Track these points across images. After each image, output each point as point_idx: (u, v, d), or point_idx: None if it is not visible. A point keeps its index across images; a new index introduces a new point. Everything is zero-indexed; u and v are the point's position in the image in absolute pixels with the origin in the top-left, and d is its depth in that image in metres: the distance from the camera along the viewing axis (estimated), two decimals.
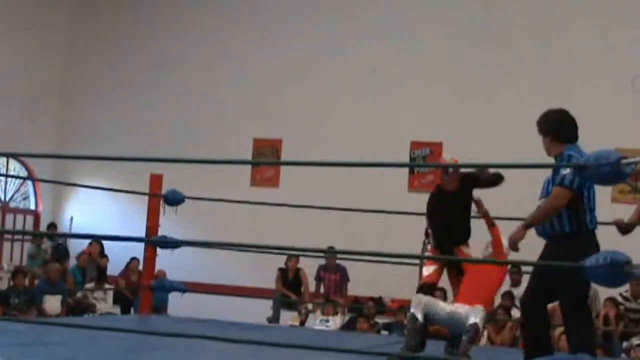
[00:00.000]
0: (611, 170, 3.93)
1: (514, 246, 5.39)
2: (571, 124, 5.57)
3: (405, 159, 13.99)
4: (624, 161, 3.93)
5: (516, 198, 12.42)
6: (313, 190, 12.85)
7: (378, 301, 12.95)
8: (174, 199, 8.14)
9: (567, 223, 5.22)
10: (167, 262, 9.81)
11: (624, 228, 8.73)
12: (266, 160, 15.53)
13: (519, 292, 12.19)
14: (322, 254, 12.16)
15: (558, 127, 5.54)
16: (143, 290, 8.61)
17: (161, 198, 8.20)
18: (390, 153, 13.19)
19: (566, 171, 5.10)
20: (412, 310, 6.20)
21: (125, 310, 13.04)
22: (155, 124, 15.61)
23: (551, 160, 5.68)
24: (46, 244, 14.54)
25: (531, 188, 12.49)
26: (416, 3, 14.72)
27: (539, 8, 14.00)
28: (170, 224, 8.31)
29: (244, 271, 13.87)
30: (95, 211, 15.69)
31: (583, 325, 5.18)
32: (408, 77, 14.32)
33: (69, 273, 13.55)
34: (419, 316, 6.16)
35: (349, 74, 14.69)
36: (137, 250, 10.96)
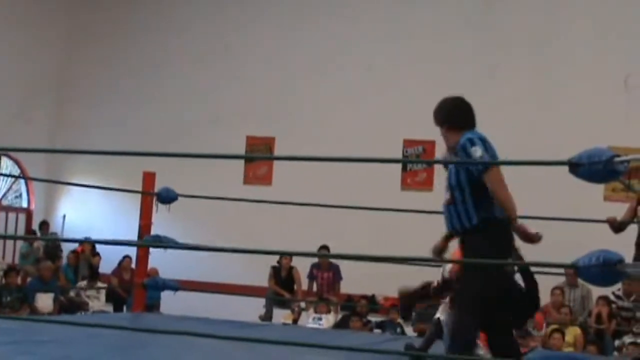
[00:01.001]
0: (604, 168, 3.93)
1: (530, 238, 5.17)
2: (466, 110, 5.47)
3: (398, 157, 14.00)
4: (616, 159, 3.93)
5: (512, 195, 12.49)
6: (306, 188, 12.84)
7: (371, 299, 12.97)
8: (167, 197, 8.13)
9: (474, 214, 5.11)
10: (159, 260, 9.81)
11: (617, 226, 8.78)
12: (259, 155, 15.53)
13: None
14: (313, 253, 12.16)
15: (452, 115, 5.45)
16: (136, 288, 8.59)
17: (154, 196, 8.18)
18: (384, 151, 13.19)
19: (478, 153, 5.09)
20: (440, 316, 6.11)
21: (118, 309, 13.04)
22: (148, 122, 15.59)
23: (542, 157, 5.66)
24: (38, 242, 14.52)
25: (530, 187, 12.57)
26: (412, 2, 14.72)
27: (534, 9, 14.02)
28: (163, 222, 8.30)
29: (237, 269, 13.86)
30: (88, 209, 15.68)
31: (460, 330, 5.04)
32: (402, 76, 14.33)
33: (61, 271, 13.54)
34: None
35: (343, 72, 14.70)
36: (130, 248, 10.97)
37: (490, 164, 5.10)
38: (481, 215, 5.09)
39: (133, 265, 10.29)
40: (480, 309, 5.01)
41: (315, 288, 13.26)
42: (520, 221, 5.14)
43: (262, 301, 12.67)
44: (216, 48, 15.57)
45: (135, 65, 16.00)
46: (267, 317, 12.58)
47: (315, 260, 13.14)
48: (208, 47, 15.63)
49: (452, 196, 5.24)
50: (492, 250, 4.98)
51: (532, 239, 5.10)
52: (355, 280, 12.69)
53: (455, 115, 5.44)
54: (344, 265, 12.95)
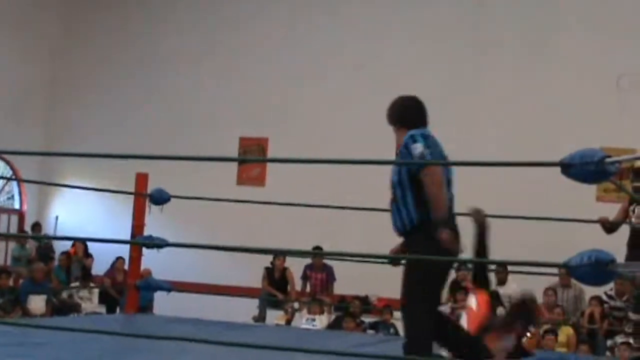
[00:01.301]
0: (596, 168, 3.93)
1: (452, 246, 5.03)
2: (416, 109, 5.41)
3: (392, 157, 13.99)
4: (608, 160, 3.94)
5: (505, 196, 12.52)
6: (299, 189, 12.84)
7: (364, 300, 12.97)
8: (160, 198, 8.12)
9: (414, 213, 5.05)
10: (153, 261, 9.79)
11: (609, 227, 8.80)
12: (251, 157, 15.52)
13: (504, 291, 12.23)
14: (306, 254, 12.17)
15: (402, 114, 5.38)
16: (129, 290, 8.59)
17: (147, 197, 8.18)
18: (378, 152, 13.15)
19: (418, 150, 5.04)
20: None
21: (111, 310, 13.02)
22: (141, 123, 15.59)
23: (534, 157, 5.66)
24: (30, 244, 14.50)
25: (523, 187, 12.61)
26: (405, 3, 14.74)
27: (526, 9, 14.04)
28: (156, 223, 8.29)
29: (230, 270, 13.87)
30: (81, 211, 15.66)
31: (415, 320, 5.01)
32: (395, 76, 14.32)
33: (54, 273, 13.52)
34: None
35: (336, 73, 14.72)
36: (123, 249, 10.93)
37: (448, 164, 5.12)
38: (423, 214, 5.04)
39: (126, 267, 10.27)
40: (431, 299, 5.04)
41: (308, 289, 13.26)
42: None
43: (255, 302, 12.66)
44: (209, 49, 15.57)
45: (128, 67, 15.99)
46: (261, 318, 12.57)
47: (309, 261, 13.14)
48: (201, 48, 15.63)
49: (394, 194, 5.20)
50: (433, 250, 4.94)
51: (452, 247, 5.01)
52: (349, 281, 12.69)
53: (406, 114, 5.41)
54: (337, 266, 12.95)
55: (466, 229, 5.54)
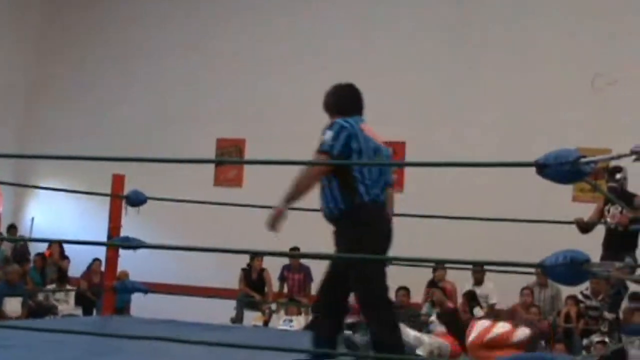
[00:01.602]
0: (570, 169, 3.96)
1: (272, 224, 5.12)
2: (349, 97, 5.46)
3: None
4: (583, 160, 3.96)
5: (482, 196, 12.57)
6: (277, 190, 12.81)
7: None
8: (137, 200, 8.10)
9: (340, 200, 5.07)
10: (130, 262, 9.75)
11: (585, 227, 8.88)
12: (228, 159, 15.49)
13: (481, 291, 12.30)
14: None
15: (335, 102, 5.41)
16: (105, 292, 8.55)
17: (123, 199, 8.15)
18: None
19: (325, 137, 5.05)
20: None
21: (87, 312, 12.97)
22: (118, 124, 15.53)
23: (510, 158, 5.68)
24: (6, 246, 14.41)
25: (501, 187, 12.65)
26: (386, 3, 14.75)
27: (504, 11, 14.08)
28: (133, 225, 8.26)
29: (208, 271, 13.83)
30: (57, 212, 15.58)
31: (377, 314, 5.06)
32: (373, 77, 14.32)
33: (29, 275, 13.45)
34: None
35: (314, 73, 14.68)
36: (100, 251, 10.89)
37: (457, 165, 5.13)
38: (347, 200, 5.07)
39: (103, 268, 10.23)
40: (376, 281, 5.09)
41: (286, 290, 13.26)
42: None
43: (232, 303, 12.65)
44: (186, 50, 15.53)
45: (104, 68, 15.93)
46: (238, 319, 12.56)
47: (286, 262, 13.14)
48: (177, 48, 15.59)
49: (321, 184, 5.20)
50: (360, 235, 5.01)
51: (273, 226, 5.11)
52: None
53: (338, 102, 5.42)
54: (314, 267, 12.95)
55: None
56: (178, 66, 15.52)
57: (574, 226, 8.79)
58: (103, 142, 14.83)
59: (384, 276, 5.19)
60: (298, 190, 5.08)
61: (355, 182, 5.06)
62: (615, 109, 12.85)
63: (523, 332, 6.06)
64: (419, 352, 6.36)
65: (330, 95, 5.47)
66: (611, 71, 13.10)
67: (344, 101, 5.39)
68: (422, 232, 12.18)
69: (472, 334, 6.24)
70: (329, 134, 5.07)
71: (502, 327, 6.24)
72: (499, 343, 5.86)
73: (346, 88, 5.45)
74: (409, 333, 6.50)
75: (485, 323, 6.29)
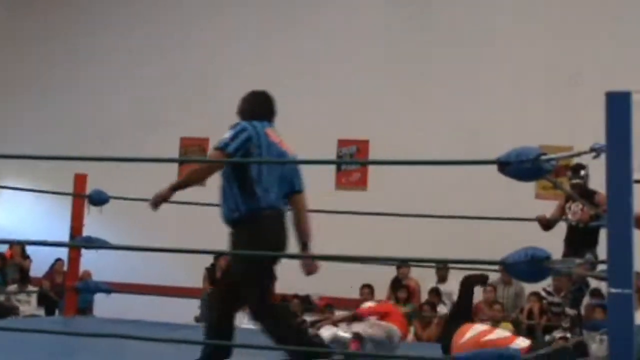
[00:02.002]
0: (532, 166, 4.00)
1: (155, 202, 5.24)
2: (258, 103, 5.54)
3: (332, 156, 14.04)
4: (543, 157, 4.00)
5: (445, 194, 12.63)
6: None
7: (305, 299, 12.99)
8: (99, 199, 8.07)
9: (240, 202, 5.10)
10: (93, 263, 9.71)
11: (546, 224, 8.95)
12: (191, 158, 15.41)
13: (445, 288, 12.36)
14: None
15: (246, 108, 5.52)
16: (68, 292, 8.51)
17: (85, 198, 8.11)
18: (318, 151, 13.21)
19: (227, 135, 5.14)
20: None
21: (50, 312, 12.88)
22: (81, 123, 15.41)
23: (473, 156, 5.70)
24: None
25: (464, 185, 12.71)
26: (342, 5, 14.77)
27: (465, 8, 14.15)
28: (95, 225, 8.22)
29: (172, 271, 13.77)
30: (19, 212, 15.44)
31: (272, 323, 5.14)
32: (336, 75, 14.36)
33: None
34: None
35: (277, 72, 14.67)
36: (62, 250, 10.82)
37: (420, 163, 5.16)
38: (246, 206, 5.09)
39: (65, 268, 10.17)
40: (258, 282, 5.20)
41: None
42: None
43: (197, 302, 12.61)
44: (149, 48, 15.45)
45: (67, 66, 15.81)
46: (202, 318, 12.52)
47: None
48: (141, 47, 15.50)
49: (222, 185, 5.24)
50: (254, 242, 5.08)
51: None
52: (290, 280, 12.64)
53: (251, 109, 5.50)
54: (278, 266, 12.94)
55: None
56: (142, 65, 15.41)
57: (536, 223, 8.87)
58: (66, 141, 14.69)
59: (266, 285, 5.34)
60: (188, 181, 5.21)
61: (253, 186, 5.08)
62: (576, 106, 12.94)
63: (523, 342, 6.10)
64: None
65: (243, 101, 5.58)
66: (573, 68, 13.21)
67: (255, 107, 5.49)
68: (386, 230, 12.23)
69: (467, 335, 6.24)
70: (229, 133, 5.17)
71: (502, 332, 6.28)
72: (496, 346, 5.87)
73: (259, 95, 5.55)
74: (324, 333, 6.69)
75: (482, 327, 6.34)
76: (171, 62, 15.32)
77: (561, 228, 9.00)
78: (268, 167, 5.14)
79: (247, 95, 5.60)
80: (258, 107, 5.47)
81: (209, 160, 5.28)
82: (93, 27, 15.81)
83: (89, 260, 8.85)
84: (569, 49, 13.37)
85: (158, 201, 5.23)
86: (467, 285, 8.56)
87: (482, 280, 9.50)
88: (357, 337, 7.20)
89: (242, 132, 5.17)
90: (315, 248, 10.28)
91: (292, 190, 5.34)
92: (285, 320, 5.24)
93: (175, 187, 5.20)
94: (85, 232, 8.14)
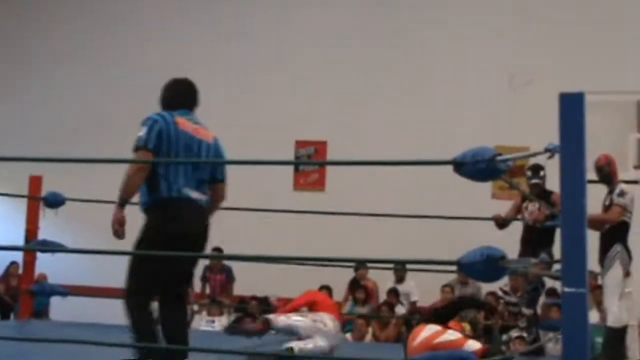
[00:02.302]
0: (487, 166, 4.02)
1: (117, 233, 5.21)
2: (177, 91, 5.58)
3: (290, 158, 14.03)
4: (499, 158, 4.03)
5: (403, 195, 12.67)
6: None
7: (264, 301, 12.96)
8: (54, 201, 8.00)
9: (146, 192, 5.15)
10: (48, 265, 9.61)
11: (501, 223, 9.03)
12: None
13: (403, 288, 12.40)
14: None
15: (163, 97, 5.58)
16: (23, 295, 8.42)
17: (41, 200, 8.04)
18: (275, 152, 13.20)
19: (139, 134, 5.17)
20: None
21: (4, 316, 12.74)
22: (36, 124, 15.25)
23: (431, 156, 5.71)
24: None
25: (421, 185, 12.75)
26: (299, 4, 14.77)
27: (421, 10, 14.20)
28: (51, 227, 8.15)
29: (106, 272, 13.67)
30: None
31: (132, 317, 5.16)
32: (293, 76, 14.36)
33: None
34: None
35: (235, 72, 14.64)
36: (17, 254, 10.71)
37: (376, 163, 5.18)
38: (151, 195, 5.12)
39: (21, 272, 10.07)
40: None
41: (208, 290, 13.19)
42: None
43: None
44: (109, 50, 15.32)
45: (22, 67, 15.64)
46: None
47: (207, 262, 13.08)
48: (101, 49, 15.37)
49: None
50: (155, 232, 5.10)
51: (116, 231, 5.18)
52: (248, 282, 12.67)
53: (167, 98, 5.55)
54: (236, 267, 12.93)
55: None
56: (102, 65, 15.29)
57: (493, 223, 8.94)
58: (21, 142, 14.52)
59: (150, 280, 5.23)
60: (128, 190, 5.13)
61: (157, 176, 5.11)
62: (532, 107, 13.04)
63: (473, 345, 6.12)
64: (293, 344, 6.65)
65: (163, 89, 5.62)
66: (527, 70, 13.30)
67: (175, 96, 5.47)
68: (344, 231, 12.25)
69: (420, 336, 6.26)
70: (143, 130, 5.19)
71: (453, 334, 6.29)
72: (447, 348, 5.89)
73: (179, 83, 5.54)
74: (279, 320, 6.83)
75: (435, 327, 6.35)
76: (127, 64, 15.20)
77: (518, 228, 9.08)
78: (175, 156, 5.14)
79: (167, 83, 5.60)
80: (177, 95, 5.47)
81: (137, 161, 5.19)
82: (54, 29, 15.65)
83: (45, 263, 8.77)
84: (525, 50, 13.46)
85: (118, 229, 5.18)
86: (459, 304, 8.58)
87: (479, 306, 9.48)
88: (265, 321, 7.32)
89: (154, 125, 5.18)
90: (274, 249, 10.29)
91: (213, 179, 5.37)
92: (143, 323, 5.17)
93: (122, 204, 5.15)
94: (41, 235, 8.06)
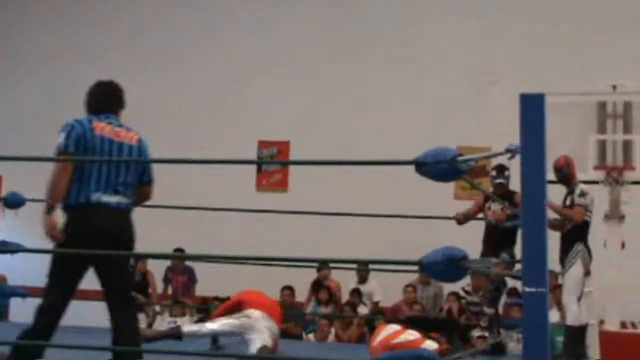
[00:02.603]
0: (448, 167, 4.03)
1: (53, 237, 5.19)
2: (97, 94, 5.53)
3: (253, 158, 14.00)
4: (460, 158, 4.04)
5: (366, 195, 12.68)
6: (163, 190, 12.68)
7: (226, 301, 12.92)
8: (14, 202, 7.92)
9: (67, 195, 5.16)
10: (7, 267, 9.53)
11: (461, 218, 9.12)
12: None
13: (365, 288, 12.41)
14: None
15: (86, 100, 5.52)
16: None
17: (0, 201, 7.96)
18: (238, 152, 13.18)
19: (58, 141, 5.20)
20: None
21: None
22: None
23: (395, 156, 5.73)
24: None
25: (383, 186, 12.77)
26: (269, 3, 14.74)
27: (386, 10, 14.22)
28: (11, 228, 8.08)
29: (90, 274, 13.56)
30: None
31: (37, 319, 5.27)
32: (255, 77, 14.33)
33: None
34: None
35: (196, 73, 14.59)
36: None
37: (338, 163, 5.18)
38: (67, 199, 5.13)
39: None
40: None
41: (170, 291, 13.14)
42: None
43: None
44: (69, 49, 15.21)
45: None
46: None
47: (170, 263, 13.03)
48: (61, 47, 15.24)
49: None
50: (67, 238, 5.12)
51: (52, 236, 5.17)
52: (211, 282, 12.62)
53: (87, 100, 5.52)
54: (199, 268, 12.87)
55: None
56: (57, 63, 15.17)
57: (455, 223, 8.99)
58: None
59: (62, 279, 5.36)
60: (54, 197, 5.12)
61: (71, 183, 5.12)
62: (495, 108, 13.12)
63: (431, 345, 6.16)
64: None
65: (87, 93, 5.55)
66: (490, 71, 13.37)
67: (95, 100, 5.48)
68: (306, 231, 12.23)
69: (380, 336, 6.29)
70: (62, 136, 5.19)
71: (411, 334, 6.32)
72: (405, 348, 5.92)
73: (103, 85, 5.51)
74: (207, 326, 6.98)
75: (394, 327, 6.38)
76: (89, 63, 15.07)
77: (481, 228, 9.13)
78: (66, 168, 5.13)
79: (91, 87, 5.56)
80: (100, 99, 5.44)
81: (92, 159, 5.17)
82: (14, 28, 15.51)
83: (4, 265, 8.69)
84: (488, 51, 13.53)
85: (54, 234, 5.15)
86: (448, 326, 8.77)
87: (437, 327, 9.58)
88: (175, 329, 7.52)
89: (72, 130, 5.18)
90: (237, 250, 10.26)
91: (140, 182, 5.40)
92: (41, 327, 5.23)
93: (49, 210, 5.13)
94: (0, 236, 7.97)
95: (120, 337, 5.09)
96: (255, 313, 7.51)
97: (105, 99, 5.40)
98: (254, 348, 7.09)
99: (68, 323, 5.81)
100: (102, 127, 5.23)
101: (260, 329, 7.35)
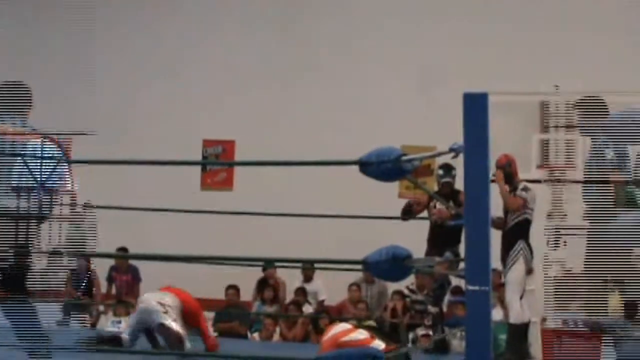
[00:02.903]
0: (392, 167, 4.03)
1: None
2: (7, 96, 5.56)
3: (198, 157, 13.94)
4: (404, 158, 4.05)
5: (309, 195, 12.68)
6: (106, 190, 12.57)
7: None
8: None
9: None
10: None
11: (405, 210, 9.17)
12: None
13: (311, 287, 12.43)
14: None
15: None
16: None
17: None
18: (183, 151, 13.11)
19: None
20: None
21: None
22: None
23: (339, 156, 5.72)
24: None
25: (327, 184, 12.78)
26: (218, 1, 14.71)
27: (331, 8, 14.25)
28: None
29: (33, 274, 13.39)
30: None
31: None
32: (202, 75, 14.26)
33: None
34: None
35: (142, 72, 14.48)
36: None
37: (281, 164, 5.18)
38: None
39: None
40: None
41: (114, 291, 13.04)
42: None
43: (59, 306, 12.32)
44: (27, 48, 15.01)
45: None
46: (65, 322, 12.24)
47: (113, 262, 12.93)
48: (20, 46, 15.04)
49: None
50: None
51: None
52: (155, 282, 12.51)
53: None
54: (143, 268, 12.79)
55: None
56: (23, 65, 14.93)
57: (399, 222, 9.03)
58: None
59: None
60: None
61: None
62: (440, 106, 13.18)
63: (379, 344, 6.20)
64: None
65: None
66: (435, 69, 13.42)
67: (5, 101, 5.38)
68: (252, 230, 12.22)
69: (330, 333, 6.32)
70: None
71: (360, 333, 6.37)
72: (353, 346, 5.95)
73: (4, 87, 5.44)
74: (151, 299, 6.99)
75: (345, 326, 6.43)
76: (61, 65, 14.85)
77: (425, 227, 9.19)
78: None
79: None
80: (7, 100, 5.37)
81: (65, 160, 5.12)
82: None
83: None
84: (433, 50, 13.59)
85: None
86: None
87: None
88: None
89: None
90: (181, 249, 10.20)
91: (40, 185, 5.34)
92: None
93: None
94: None
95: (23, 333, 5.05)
96: (142, 297, 7.65)
97: (12, 99, 5.33)
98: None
99: None
100: (3, 129, 5.16)
101: (154, 307, 7.41)
